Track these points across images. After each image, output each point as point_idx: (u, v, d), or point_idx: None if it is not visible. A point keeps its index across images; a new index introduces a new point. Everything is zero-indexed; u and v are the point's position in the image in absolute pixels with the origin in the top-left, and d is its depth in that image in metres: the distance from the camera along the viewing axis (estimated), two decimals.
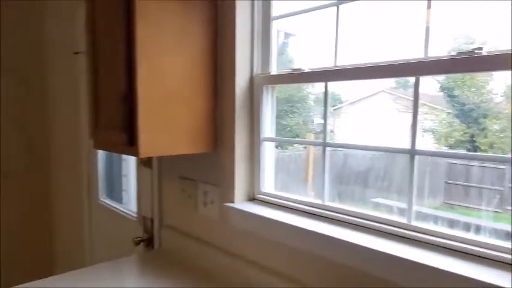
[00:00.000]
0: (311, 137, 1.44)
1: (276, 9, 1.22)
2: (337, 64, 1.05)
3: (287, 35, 1.40)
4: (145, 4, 1.06)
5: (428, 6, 0.86)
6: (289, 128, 1.44)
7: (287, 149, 1.48)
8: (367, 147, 1.07)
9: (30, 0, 2.70)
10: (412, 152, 0.91)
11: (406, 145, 0.91)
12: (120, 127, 1.12)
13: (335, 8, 1.04)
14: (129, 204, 2.21)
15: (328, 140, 1.10)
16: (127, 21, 1.07)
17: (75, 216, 2.55)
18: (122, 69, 1.09)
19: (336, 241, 0.95)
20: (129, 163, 2.32)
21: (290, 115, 1.41)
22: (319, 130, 1.34)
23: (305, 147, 1.46)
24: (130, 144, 1.11)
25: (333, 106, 1.28)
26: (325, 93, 1.09)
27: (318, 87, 1.36)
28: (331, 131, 1.34)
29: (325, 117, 1.09)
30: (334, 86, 1.13)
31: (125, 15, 1.07)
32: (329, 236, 0.96)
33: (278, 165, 1.31)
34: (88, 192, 2.36)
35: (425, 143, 1.04)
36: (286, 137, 1.40)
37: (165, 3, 1.11)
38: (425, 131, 1.03)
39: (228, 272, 1.28)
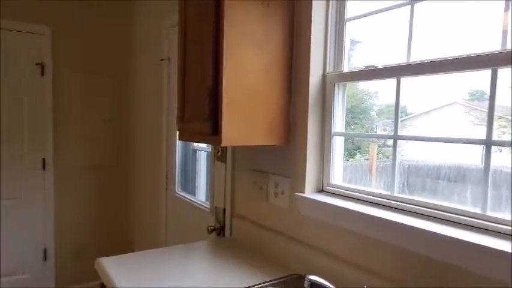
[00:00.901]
0: (374, 148, 1.45)
1: (349, 9, 1.30)
2: (411, 60, 1.09)
3: (353, 42, 1.43)
4: (233, 13, 1.21)
5: (506, 9, 0.88)
6: (350, 140, 1.44)
7: (353, 157, 1.48)
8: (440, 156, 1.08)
9: (121, 18, 3.07)
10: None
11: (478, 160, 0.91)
12: (205, 119, 1.27)
13: (409, 6, 1.09)
14: (200, 196, 2.41)
15: (393, 148, 1.13)
16: (216, 29, 1.22)
17: (153, 207, 2.81)
18: (210, 68, 1.24)
19: (408, 228, 0.98)
20: (201, 161, 2.53)
21: (352, 126, 1.42)
22: (382, 142, 1.37)
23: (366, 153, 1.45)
24: (214, 133, 1.25)
25: (400, 118, 1.28)
26: (397, 88, 1.13)
27: (381, 99, 1.37)
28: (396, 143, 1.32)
29: (397, 111, 1.13)
30: (404, 95, 1.14)
31: (215, 24, 1.22)
32: (403, 224, 0.99)
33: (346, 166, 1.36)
34: (166, 185, 2.59)
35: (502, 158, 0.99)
36: (348, 149, 1.42)
37: (250, 12, 1.24)
38: (502, 145, 0.95)
39: (296, 259, 1.35)
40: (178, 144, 2.49)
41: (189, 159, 2.55)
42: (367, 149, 1.47)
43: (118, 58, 3.09)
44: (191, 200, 2.33)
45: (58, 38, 2.81)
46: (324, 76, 1.35)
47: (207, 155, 2.47)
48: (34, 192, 2.84)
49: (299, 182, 1.37)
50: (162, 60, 2.51)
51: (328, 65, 1.34)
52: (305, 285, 1.01)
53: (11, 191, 2.74)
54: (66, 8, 2.83)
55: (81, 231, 3.07)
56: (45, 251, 2.91)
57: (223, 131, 1.22)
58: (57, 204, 2.94)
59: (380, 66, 1.17)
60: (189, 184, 2.54)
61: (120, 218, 3.23)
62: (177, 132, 1.53)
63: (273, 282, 1.25)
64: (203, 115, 1.28)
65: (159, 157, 2.69)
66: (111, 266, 1.37)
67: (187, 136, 1.46)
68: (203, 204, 2.20)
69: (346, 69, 1.32)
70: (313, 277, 1.01)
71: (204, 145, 2.46)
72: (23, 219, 2.81)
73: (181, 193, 2.46)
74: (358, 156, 1.45)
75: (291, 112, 1.39)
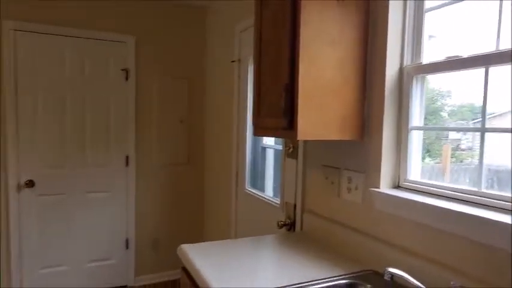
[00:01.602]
0: (448, 150, 1.38)
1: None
2: (500, 48, 1.03)
3: (430, 36, 1.38)
4: (308, 13, 1.24)
5: None
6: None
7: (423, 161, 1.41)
8: None
9: (196, 25, 3.26)
10: None
11: None
12: (281, 114, 1.32)
13: None
14: (268, 192, 2.48)
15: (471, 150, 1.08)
16: (293, 28, 1.27)
17: (224, 202, 2.94)
18: (286, 65, 1.29)
19: (497, 224, 0.94)
20: (269, 159, 2.59)
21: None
22: (455, 145, 1.30)
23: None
24: (289, 128, 1.30)
25: (473, 119, 1.21)
26: (486, 79, 1.08)
27: (454, 99, 1.31)
28: (469, 148, 1.26)
29: (485, 103, 1.08)
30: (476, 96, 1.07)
31: (291, 23, 1.27)
32: (492, 220, 0.95)
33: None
34: (236, 182, 2.70)
35: None
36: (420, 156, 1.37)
37: (325, 11, 1.27)
38: None
39: (370, 254, 1.35)
40: (249, 143, 2.58)
41: (258, 156, 2.63)
42: (438, 152, 1.41)
43: (192, 62, 3.30)
44: (260, 196, 2.40)
45: (140, 45, 3.08)
46: (401, 69, 1.32)
47: (274, 152, 2.53)
48: (118, 187, 3.13)
49: (374, 177, 1.36)
50: (233, 62, 2.62)
51: (405, 58, 1.32)
52: (385, 278, 1.01)
53: (99, 185, 3.05)
54: (148, 18, 3.09)
55: (158, 224, 3.31)
56: (127, 240, 3.19)
57: (298, 125, 1.26)
58: (138, 198, 3.20)
59: (466, 56, 1.12)
60: (257, 181, 2.62)
61: (193, 212, 3.43)
62: (252, 129, 1.60)
63: (347, 276, 1.26)
64: (279, 111, 1.33)
65: (230, 156, 2.81)
66: (192, 251, 1.47)
67: (262, 132, 1.52)
68: (272, 200, 2.26)
69: (425, 61, 1.29)
70: (393, 270, 1.01)
71: (272, 143, 2.53)
72: (109, 211, 3.11)
73: (250, 189, 2.55)
74: (427, 160, 1.40)
75: (366, 107, 1.38)
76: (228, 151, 2.87)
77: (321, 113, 1.30)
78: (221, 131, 3.02)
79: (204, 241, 3.35)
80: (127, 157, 3.13)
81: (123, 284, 3.20)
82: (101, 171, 3.05)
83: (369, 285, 1.21)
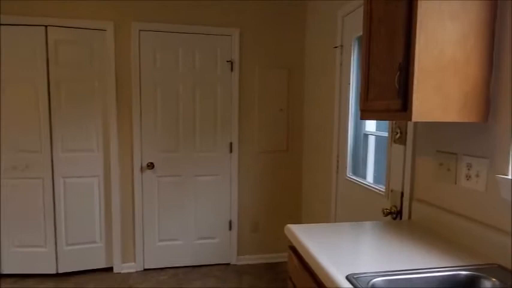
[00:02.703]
0: None
1: None
2: None
3: None
4: None
5: None
6: None
7: None
8: None
9: (296, 15, 3.30)
10: None
11: None
12: (394, 95, 1.28)
13: None
14: (369, 179, 2.43)
15: None
16: (409, 4, 1.21)
17: (323, 189, 2.95)
18: (401, 43, 1.24)
19: None
20: (370, 146, 2.52)
21: None
22: None
23: None
24: (403, 110, 1.25)
25: None
26: None
27: None
28: None
29: None
30: None
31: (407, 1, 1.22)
32: None
33: None
34: (337, 169, 2.69)
35: None
36: None
37: None
38: None
39: (491, 247, 1.23)
40: (350, 130, 2.55)
41: (360, 143, 2.57)
42: None
43: (292, 51, 3.36)
44: (362, 183, 2.36)
45: (244, 37, 3.24)
46: None
47: (376, 139, 2.46)
48: (223, 172, 3.36)
49: (500, 162, 1.24)
50: (335, 47, 2.60)
51: None
52: None
53: (206, 169, 3.33)
54: (251, 11, 3.23)
55: (258, 208, 3.48)
56: (230, 222, 3.42)
57: (413, 106, 1.21)
58: (240, 183, 3.41)
59: None
60: (358, 168, 2.57)
61: (291, 198, 3.52)
62: (359, 113, 1.58)
63: (467, 267, 1.18)
64: (391, 92, 1.29)
65: (330, 143, 2.80)
66: (299, 231, 1.53)
67: (371, 115, 1.49)
68: (375, 187, 2.20)
69: None
70: None
71: (374, 129, 2.45)
72: (214, 194, 3.37)
73: (351, 176, 2.52)
74: None
75: (491, 86, 1.26)
76: (327, 139, 2.86)
77: (439, 93, 1.23)
78: (321, 119, 3.03)
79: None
80: (231, 144, 3.34)
81: (227, 262, 3.45)
82: (208, 156, 3.32)
83: (493, 279, 1.12)
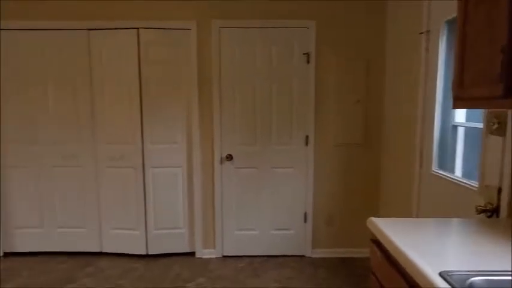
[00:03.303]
0: None
1: None
2: None
3: None
4: None
5: None
6: None
7: None
8: None
9: (375, 3, 3.17)
10: None
11: None
12: (495, 80, 1.17)
13: None
14: (456, 174, 2.27)
15: None
16: None
17: (403, 183, 2.81)
18: (504, 23, 1.14)
19: None
20: (459, 138, 2.33)
21: None
22: None
23: None
24: (506, 97, 1.15)
25: None
26: None
27: None
28: None
29: None
30: None
31: None
32: None
33: None
34: (420, 163, 2.54)
35: None
36: None
37: None
38: None
39: None
40: (437, 121, 2.38)
41: (447, 136, 2.40)
42: None
43: (371, 41, 3.23)
44: (449, 178, 2.20)
45: (320, 29, 3.20)
46: None
47: (465, 130, 2.27)
48: (299, 164, 3.38)
49: None
50: (421, 33, 2.45)
51: None
52: None
53: (282, 162, 3.37)
54: (327, 1, 3.18)
55: (333, 201, 3.44)
56: (305, 214, 3.43)
57: None
58: (315, 176, 3.39)
59: None
60: (446, 161, 2.40)
61: (367, 192, 3.41)
62: (452, 101, 1.48)
63: None
64: (492, 77, 1.19)
65: (413, 136, 2.65)
66: (382, 224, 1.49)
67: (466, 103, 1.39)
68: (465, 182, 2.04)
69: None
70: None
71: (463, 120, 2.27)
72: (290, 186, 3.41)
73: (438, 171, 2.36)
74: None
75: None
76: (409, 131, 2.71)
77: None
78: (402, 110, 2.88)
79: None
80: (307, 137, 3.34)
81: (301, 254, 3.47)
82: (284, 149, 3.36)
83: None
